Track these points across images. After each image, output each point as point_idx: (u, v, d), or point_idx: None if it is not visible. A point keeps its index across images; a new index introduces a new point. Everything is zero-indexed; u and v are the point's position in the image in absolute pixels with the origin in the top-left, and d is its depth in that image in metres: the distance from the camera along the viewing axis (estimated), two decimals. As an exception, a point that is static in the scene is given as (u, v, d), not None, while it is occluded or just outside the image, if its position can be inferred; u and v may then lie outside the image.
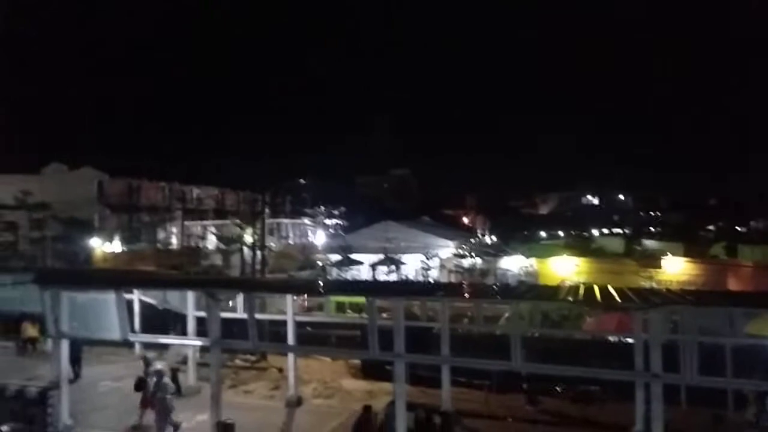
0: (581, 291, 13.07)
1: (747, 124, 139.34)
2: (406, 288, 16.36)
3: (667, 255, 36.49)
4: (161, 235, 43.89)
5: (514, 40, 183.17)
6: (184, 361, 17.62)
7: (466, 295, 13.60)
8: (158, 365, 15.09)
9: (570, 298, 12.31)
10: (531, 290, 14.99)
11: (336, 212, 66.93)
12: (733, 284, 29.89)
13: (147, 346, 17.95)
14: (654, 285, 28.45)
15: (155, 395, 14.06)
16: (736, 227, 65.44)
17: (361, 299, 17.40)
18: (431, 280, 33.44)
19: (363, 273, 38.82)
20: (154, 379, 14.41)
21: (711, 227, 69.22)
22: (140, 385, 14.81)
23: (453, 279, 34.70)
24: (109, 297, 13.49)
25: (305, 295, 24.45)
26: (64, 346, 13.94)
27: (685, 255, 37.68)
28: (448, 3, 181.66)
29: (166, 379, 14.38)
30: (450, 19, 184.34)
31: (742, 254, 38.72)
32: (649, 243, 52.03)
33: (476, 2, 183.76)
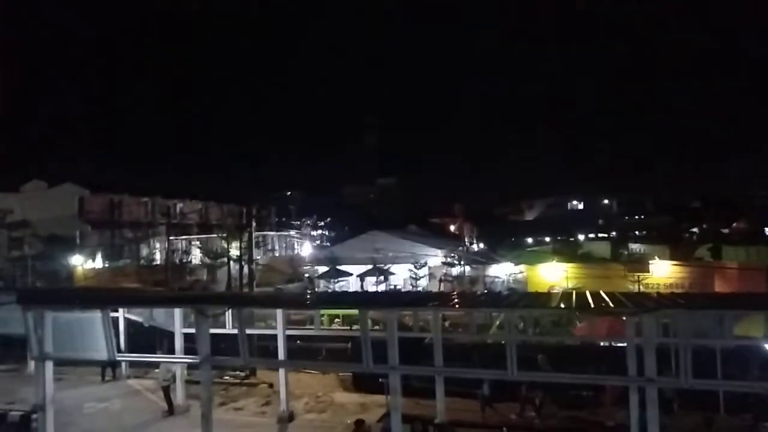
0: (574, 297, 13.07)
1: (728, 126, 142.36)
2: (399, 299, 16.17)
3: (654, 258, 36.82)
4: (144, 251, 43.23)
5: (496, 51, 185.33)
6: (173, 379, 17.23)
7: (459, 304, 13.49)
8: None
9: (563, 305, 12.27)
10: (523, 298, 14.93)
11: (322, 223, 66.82)
12: (719, 285, 30.22)
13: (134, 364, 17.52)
14: (643, 289, 28.68)
15: None
16: (720, 229, 66.40)
17: (353, 311, 17.22)
18: (421, 290, 33.28)
19: (351, 284, 38.59)
20: None
21: (695, 229, 70.25)
22: None
23: (443, 288, 34.58)
24: (95, 316, 13.17)
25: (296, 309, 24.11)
26: (48, 367, 13.55)
27: (671, 258, 38.06)
28: (434, 13, 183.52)
29: None
30: (436, 30, 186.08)
31: (726, 255, 39.22)
32: (635, 247, 52.52)
33: (461, 14, 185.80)
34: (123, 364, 19.93)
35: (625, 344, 11.81)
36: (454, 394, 16.30)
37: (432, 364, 13.30)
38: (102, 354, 13.28)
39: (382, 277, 37.87)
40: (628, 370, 10.88)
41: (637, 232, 77.18)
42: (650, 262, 35.54)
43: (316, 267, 42.41)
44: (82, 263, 37.13)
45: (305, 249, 52.04)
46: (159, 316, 19.24)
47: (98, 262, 39.71)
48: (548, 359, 15.23)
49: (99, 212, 43.57)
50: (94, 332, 13.16)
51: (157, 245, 43.43)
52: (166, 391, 16.88)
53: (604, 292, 12.85)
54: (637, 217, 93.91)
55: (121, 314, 19.53)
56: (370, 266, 38.46)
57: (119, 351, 14.56)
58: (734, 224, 68.23)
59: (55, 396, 13.96)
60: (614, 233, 77.19)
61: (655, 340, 10.79)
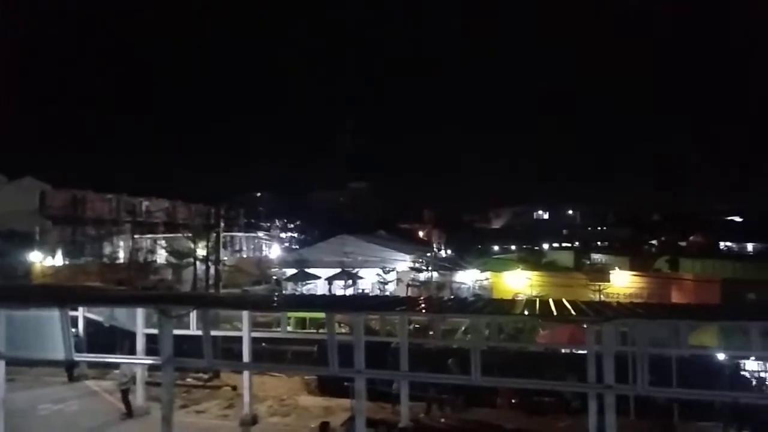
0: (537, 305, 13.37)
1: (690, 141, 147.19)
2: (366, 303, 16.22)
3: (614, 269, 37.85)
4: (107, 249, 42.09)
5: (465, 57, 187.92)
6: (133, 381, 16.84)
7: (426, 310, 13.63)
8: None
9: (527, 312, 12.53)
10: (489, 304, 15.18)
11: (291, 226, 66.38)
12: (676, 296, 31.27)
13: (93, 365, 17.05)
14: (603, 298, 29.46)
15: None
16: (678, 242, 68.68)
17: (321, 315, 17.18)
18: (389, 294, 33.40)
19: (319, 287, 38.46)
20: None
21: (654, 242, 72.52)
22: None
23: (410, 293, 34.77)
24: (53, 314, 12.77)
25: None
26: (0, 366, 13.07)
27: (631, 268, 39.15)
28: (407, 20, 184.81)
29: None
30: (408, 35, 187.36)
31: (683, 267, 40.54)
32: (597, 257, 53.81)
33: (432, 20, 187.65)
34: (81, 364, 19.38)
35: (584, 351, 12.12)
36: (418, 399, 16.45)
37: (398, 369, 13.38)
38: (59, 354, 12.87)
39: (350, 281, 37.86)
40: (588, 377, 11.17)
41: (599, 243, 79.16)
42: (611, 272, 36.55)
43: (284, 269, 42.10)
44: (42, 260, 35.96)
45: (274, 251, 51.56)
46: (120, 315, 18.78)
47: (59, 259, 38.50)
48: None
49: (61, 208, 42.17)
50: (52, 331, 12.74)
51: (121, 243, 42.36)
52: (125, 393, 16.49)
53: (567, 301, 13.19)
54: (599, 228, 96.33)
55: (80, 313, 18.99)
56: (338, 270, 38.41)
57: (77, 351, 14.14)
58: (691, 238, 70.67)
59: (8, 397, 13.49)
60: (577, 243, 78.99)
61: (614, 348, 11.10)
